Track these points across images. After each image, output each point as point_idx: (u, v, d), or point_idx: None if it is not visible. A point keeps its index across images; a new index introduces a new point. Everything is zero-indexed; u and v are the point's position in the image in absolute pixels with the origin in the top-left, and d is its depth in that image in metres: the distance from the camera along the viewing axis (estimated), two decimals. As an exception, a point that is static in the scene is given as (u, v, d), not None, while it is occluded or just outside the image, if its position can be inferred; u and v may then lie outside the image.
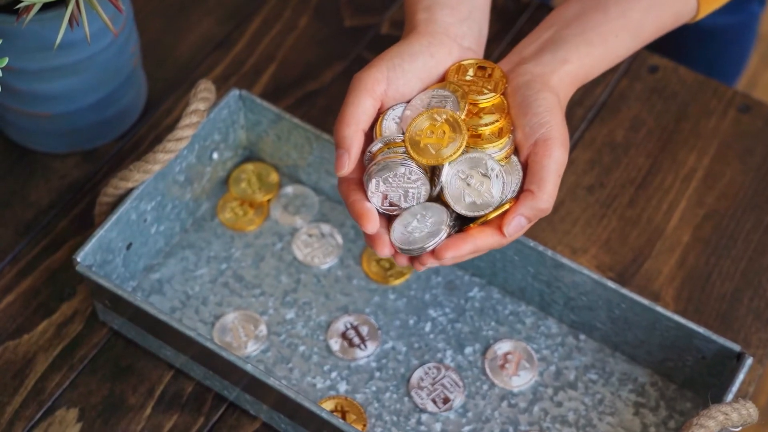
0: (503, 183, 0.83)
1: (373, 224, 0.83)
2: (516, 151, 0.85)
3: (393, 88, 0.85)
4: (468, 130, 0.84)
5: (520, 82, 0.86)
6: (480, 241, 0.83)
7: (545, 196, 0.83)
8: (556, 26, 0.89)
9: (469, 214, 0.84)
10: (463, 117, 0.85)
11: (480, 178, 0.84)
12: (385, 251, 0.84)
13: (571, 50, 0.88)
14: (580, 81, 0.89)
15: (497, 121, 0.85)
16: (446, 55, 0.87)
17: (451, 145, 0.83)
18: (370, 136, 0.86)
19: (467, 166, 0.84)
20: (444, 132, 0.84)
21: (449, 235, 0.83)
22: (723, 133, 1.08)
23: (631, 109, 1.09)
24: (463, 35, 0.88)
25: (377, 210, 0.84)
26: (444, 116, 0.84)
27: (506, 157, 0.85)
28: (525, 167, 0.85)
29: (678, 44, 1.34)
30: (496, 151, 0.84)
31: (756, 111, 1.09)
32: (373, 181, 0.84)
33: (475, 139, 0.85)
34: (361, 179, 0.85)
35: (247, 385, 0.89)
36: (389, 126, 0.86)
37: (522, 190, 0.84)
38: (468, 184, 0.84)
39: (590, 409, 0.93)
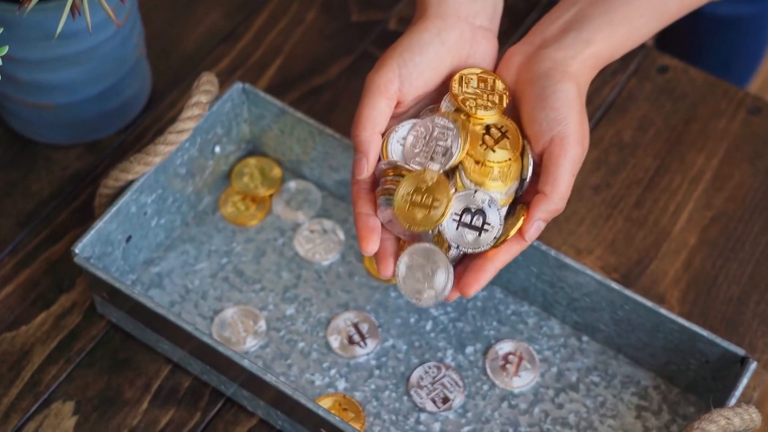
0: (500, 224, 0.83)
1: (372, 247, 0.84)
2: (529, 142, 0.84)
3: (407, 84, 0.84)
4: (478, 163, 0.84)
5: (540, 70, 0.84)
6: (500, 262, 0.84)
7: (558, 197, 0.82)
8: (579, 4, 0.87)
9: (470, 250, 0.84)
10: (463, 152, 0.84)
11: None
12: (388, 274, 0.85)
13: (595, 31, 0.85)
14: (602, 63, 0.87)
15: (509, 159, 0.84)
16: (458, 37, 0.86)
17: (438, 209, 0.83)
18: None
19: (461, 206, 0.83)
20: (432, 199, 0.83)
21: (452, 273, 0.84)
22: (732, 134, 1.07)
23: (639, 109, 1.08)
24: (475, 13, 0.87)
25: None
26: (430, 181, 0.83)
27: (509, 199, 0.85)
28: (539, 162, 0.84)
29: (694, 34, 1.32)
30: (500, 194, 0.84)
31: (767, 113, 1.08)
32: (381, 207, 0.85)
33: (481, 173, 0.84)
34: (374, 183, 0.86)
35: (244, 381, 0.88)
36: (395, 149, 0.85)
37: (535, 190, 0.83)
38: (465, 224, 0.84)
39: (591, 412, 0.92)
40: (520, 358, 0.94)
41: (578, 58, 0.85)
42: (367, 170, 0.84)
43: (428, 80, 0.85)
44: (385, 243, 0.85)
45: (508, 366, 0.94)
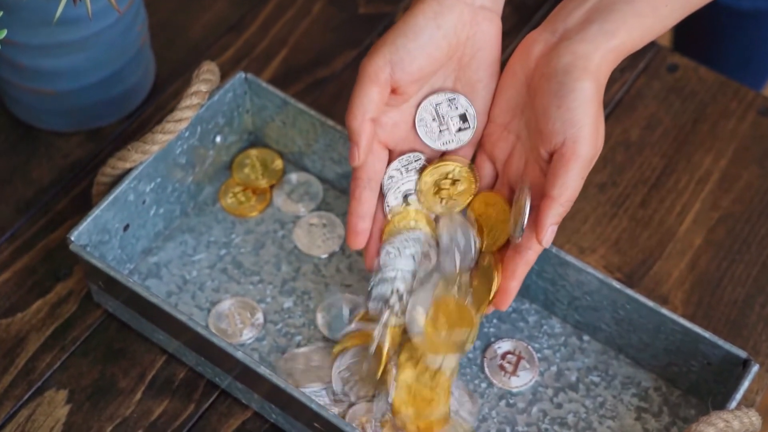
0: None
1: (357, 245, 0.87)
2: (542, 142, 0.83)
3: (399, 70, 0.83)
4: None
5: (560, 65, 0.81)
6: (522, 274, 0.85)
7: (565, 201, 0.82)
8: None
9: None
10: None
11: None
12: (370, 264, 0.88)
13: (620, 22, 0.82)
14: (622, 56, 0.84)
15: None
16: (456, 20, 0.84)
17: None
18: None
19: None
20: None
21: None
22: (741, 135, 1.06)
23: (647, 108, 1.07)
24: None
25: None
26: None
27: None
28: (548, 160, 0.83)
29: (714, 30, 1.30)
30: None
31: (777, 114, 1.07)
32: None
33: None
34: (373, 179, 0.86)
35: (239, 374, 0.87)
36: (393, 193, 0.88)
37: (543, 193, 0.82)
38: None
39: (590, 412, 0.91)
40: (519, 358, 0.93)
41: (600, 51, 0.82)
42: (358, 158, 0.84)
43: (423, 66, 0.84)
44: (357, 220, 0.87)
45: (506, 365, 0.93)
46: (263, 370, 0.84)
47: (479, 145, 0.89)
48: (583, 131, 0.81)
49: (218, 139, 0.98)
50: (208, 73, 0.93)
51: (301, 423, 0.86)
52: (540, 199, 0.83)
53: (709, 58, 1.28)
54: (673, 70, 1.09)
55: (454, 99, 0.86)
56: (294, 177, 1.01)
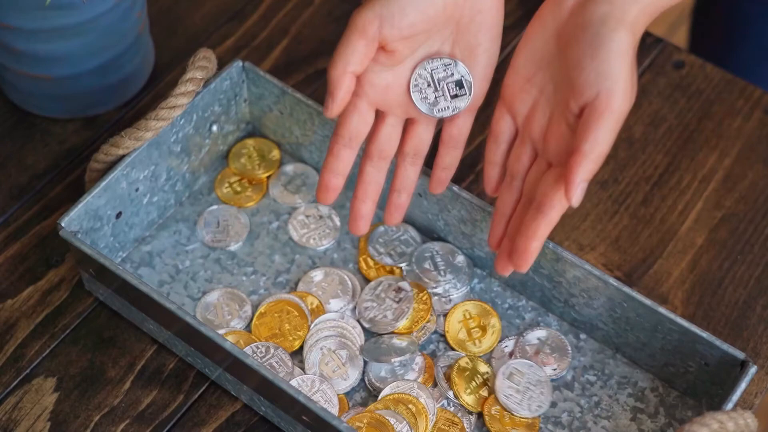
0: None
1: (326, 200, 0.85)
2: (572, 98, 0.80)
3: (388, 25, 0.80)
4: None
5: (595, 15, 0.78)
6: (544, 233, 0.81)
7: (597, 156, 0.78)
8: None
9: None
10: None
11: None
12: (355, 233, 0.87)
13: None
14: (661, 9, 0.81)
15: None
16: None
17: None
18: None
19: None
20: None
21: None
22: (747, 134, 1.04)
23: (652, 105, 1.05)
24: None
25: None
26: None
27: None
28: (578, 114, 0.79)
29: (731, 19, 1.27)
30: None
31: (784, 113, 1.05)
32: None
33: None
34: (354, 139, 0.84)
35: (228, 365, 0.86)
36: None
37: (572, 148, 0.79)
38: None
39: (585, 412, 0.89)
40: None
41: (638, 3, 0.78)
42: (331, 109, 0.81)
43: (414, 22, 0.80)
44: (360, 204, 0.86)
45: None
46: (251, 362, 0.83)
47: (499, 97, 0.86)
48: (617, 84, 0.77)
49: (214, 128, 0.97)
50: (204, 60, 0.91)
51: (290, 416, 0.85)
52: (569, 155, 0.79)
53: (727, 52, 1.26)
54: (679, 66, 1.07)
55: (451, 64, 0.84)
56: (291, 168, 1.00)
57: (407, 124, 0.87)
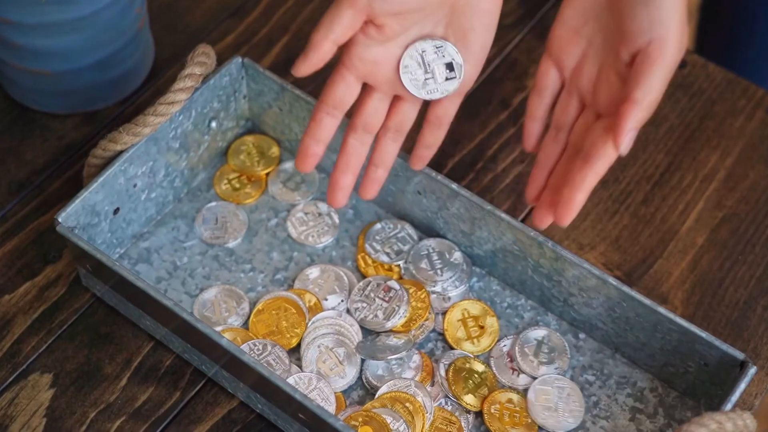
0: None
1: (305, 168, 0.85)
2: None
3: (379, 0, 0.79)
4: None
5: None
6: (591, 183, 0.81)
7: (648, 104, 0.78)
8: None
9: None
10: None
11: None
12: (333, 205, 0.87)
13: None
14: None
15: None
16: None
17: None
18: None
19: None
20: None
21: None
22: (749, 134, 1.03)
23: (653, 104, 1.05)
24: None
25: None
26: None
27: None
28: (629, 62, 0.79)
29: (741, 17, 1.26)
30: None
31: (786, 113, 1.04)
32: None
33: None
34: (338, 108, 0.84)
35: (225, 363, 0.86)
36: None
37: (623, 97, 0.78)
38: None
39: (584, 412, 0.89)
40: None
41: None
42: (300, 69, 0.81)
43: (406, 0, 0.80)
44: (339, 176, 0.86)
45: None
46: (248, 359, 0.82)
47: (545, 50, 0.85)
48: (671, 31, 0.77)
49: (213, 124, 0.97)
50: (202, 56, 0.91)
51: (287, 414, 0.85)
52: (619, 104, 0.79)
53: (733, 50, 1.25)
54: (681, 66, 1.07)
55: (442, 47, 0.83)
56: (290, 165, 0.99)
57: (393, 100, 0.87)
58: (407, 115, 0.87)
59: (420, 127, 0.88)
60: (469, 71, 0.84)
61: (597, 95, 0.83)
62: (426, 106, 0.87)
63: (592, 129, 0.82)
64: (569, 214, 0.81)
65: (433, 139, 0.88)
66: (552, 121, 0.86)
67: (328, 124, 0.85)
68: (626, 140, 0.78)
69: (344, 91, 0.84)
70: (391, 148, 0.88)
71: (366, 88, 0.85)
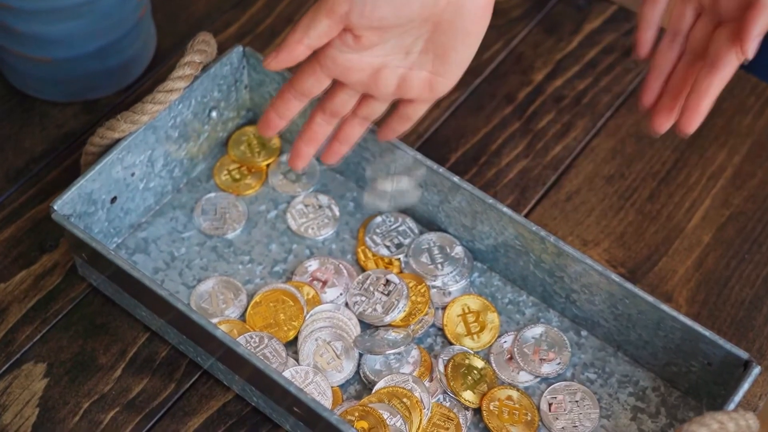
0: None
1: (267, 132, 0.86)
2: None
3: (357, 13, 0.77)
4: None
5: None
6: (717, 88, 0.81)
7: None
8: None
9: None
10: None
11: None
12: (294, 167, 0.88)
13: None
14: None
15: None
16: None
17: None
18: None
19: None
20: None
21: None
22: (757, 132, 1.02)
23: (661, 100, 1.03)
24: None
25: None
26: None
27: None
28: None
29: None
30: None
31: (796, 111, 1.03)
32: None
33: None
34: (305, 96, 0.84)
35: (221, 355, 0.85)
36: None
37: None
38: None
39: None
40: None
41: None
42: (269, 65, 0.81)
43: (385, 16, 0.78)
44: (302, 145, 0.86)
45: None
46: (243, 351, 0.81)
47: None
48: None
49: (213, 114, 0.95)
50: (202, 44, 0.90)
51: (282, 407, 0.83)
52: (745, 9, 0.79)
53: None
54: (690, 62, 1.05)
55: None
56: (291, 156, 0.98)
57: (363, 95, 0.86)
58: (376, 110, 0.87)
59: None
60: (444, 83, 0.83)
61: (719, 1, 0.83)
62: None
63: (717, 35, 0.82)
64: (695, 121, 0.82)
65: (401, 128, 0.88)
66: (669, 27, 0.86)
67: (293, 106, 0.85)
68: (752, 45, 0.78)
69: (313, 83, 0.83)
70: (356, 131, 0.88)
71: (337, 82, 0.84)
